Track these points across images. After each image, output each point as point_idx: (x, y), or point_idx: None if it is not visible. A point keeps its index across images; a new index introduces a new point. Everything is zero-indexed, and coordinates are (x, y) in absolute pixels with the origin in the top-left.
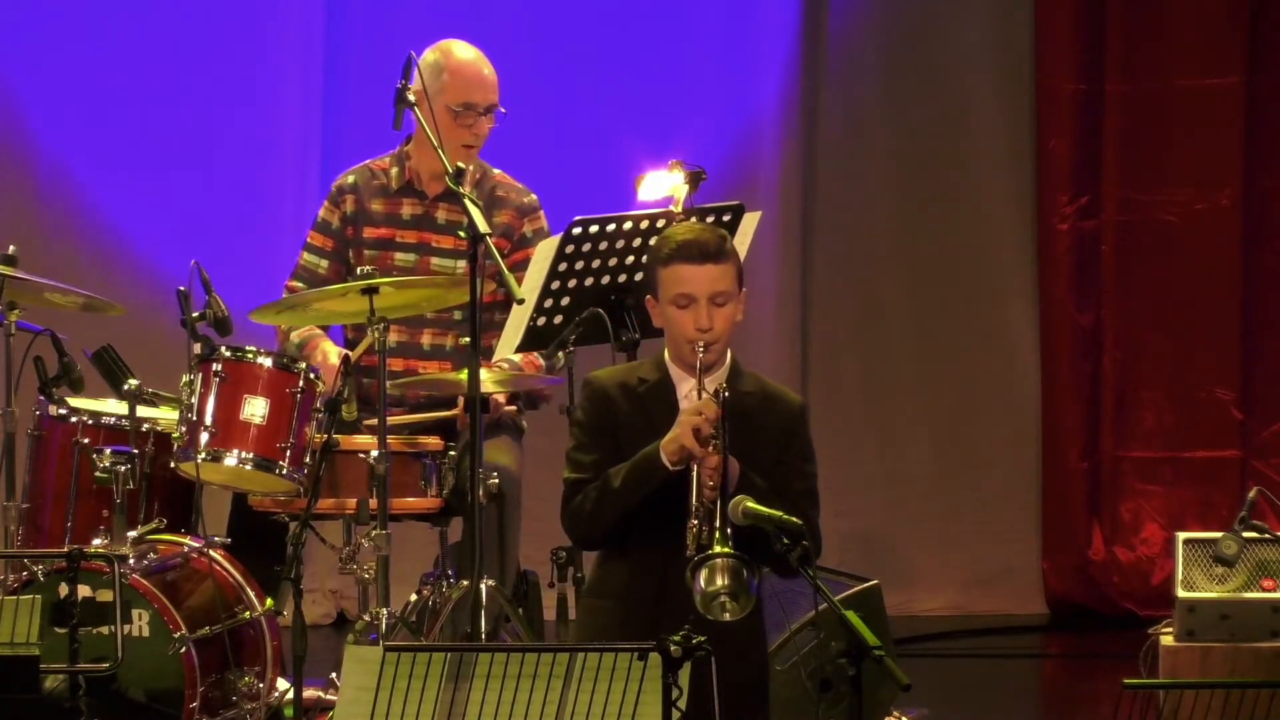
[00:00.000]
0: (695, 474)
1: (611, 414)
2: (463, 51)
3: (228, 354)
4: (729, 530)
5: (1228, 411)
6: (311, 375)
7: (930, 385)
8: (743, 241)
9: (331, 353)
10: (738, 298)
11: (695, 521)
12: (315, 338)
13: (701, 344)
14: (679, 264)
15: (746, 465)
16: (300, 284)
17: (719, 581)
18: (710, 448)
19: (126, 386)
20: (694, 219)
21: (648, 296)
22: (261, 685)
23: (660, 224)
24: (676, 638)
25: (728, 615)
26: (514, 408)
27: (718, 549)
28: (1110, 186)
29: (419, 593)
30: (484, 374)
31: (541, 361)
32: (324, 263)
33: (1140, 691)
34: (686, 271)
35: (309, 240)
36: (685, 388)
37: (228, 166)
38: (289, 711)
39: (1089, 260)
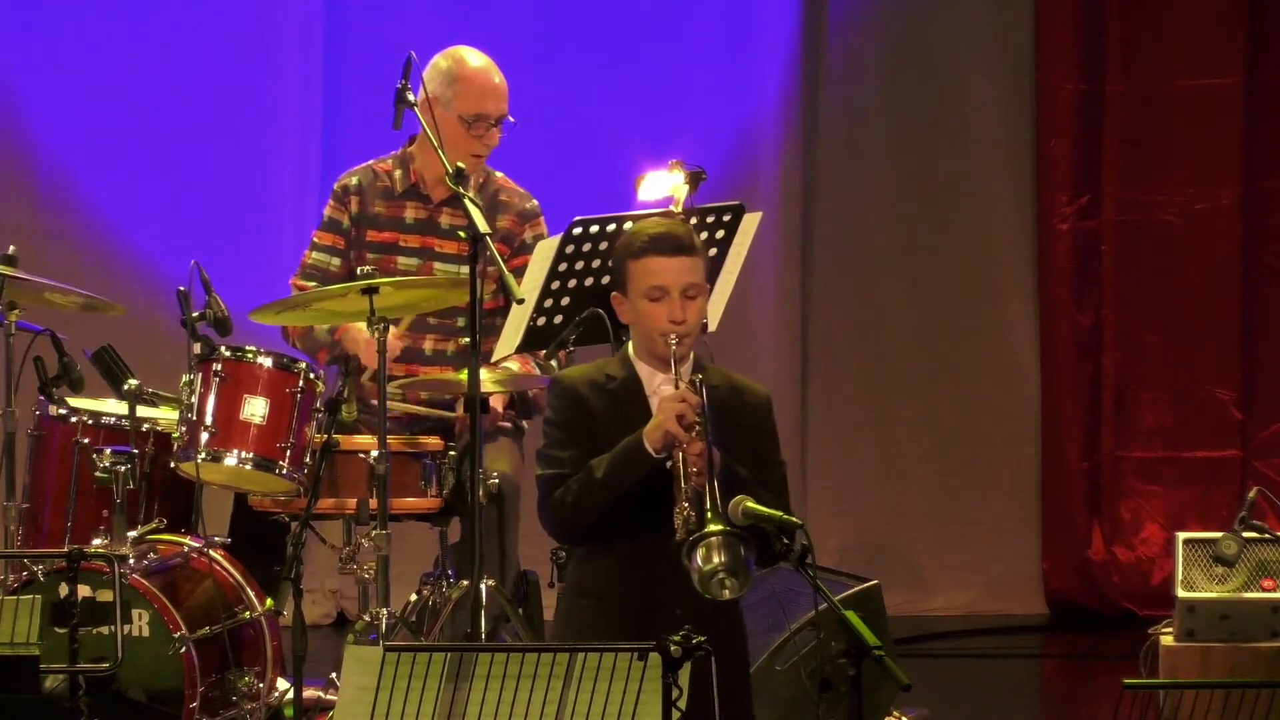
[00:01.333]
0: (681, 460)
1: (585, 411)
2: (474, 60)
3: (228, 354)
4: (721, 511)
5: (1228, 411)
6: (312, 375)
7: (930, 385)
8: (743, 242)
9: (366, 328)
10: (706, 292)
11: (685, 504)
12: (341, 323)
13: (674, 336)
14: (652, 256)
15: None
16: (310, 284)
17: (716, 559)
18: (693, 434)
19: (126, 386)
20: (694, 218)
21: (614, 293)
22: (261, 685)
23: None
24: (677, 638)
25: (727, 593)
26: (511, 412)
27: (712, 527)
28: (1110, 186)
29: (419, 593)
30: (484, 374)
31: (536, 370)
32: (335, 260)
33: (1140, 691)
34: (659, 264)
35: (316, 240)
36: (654, 382)
37: (228, 166)
38: (289, 711)
39: (1089, 260)
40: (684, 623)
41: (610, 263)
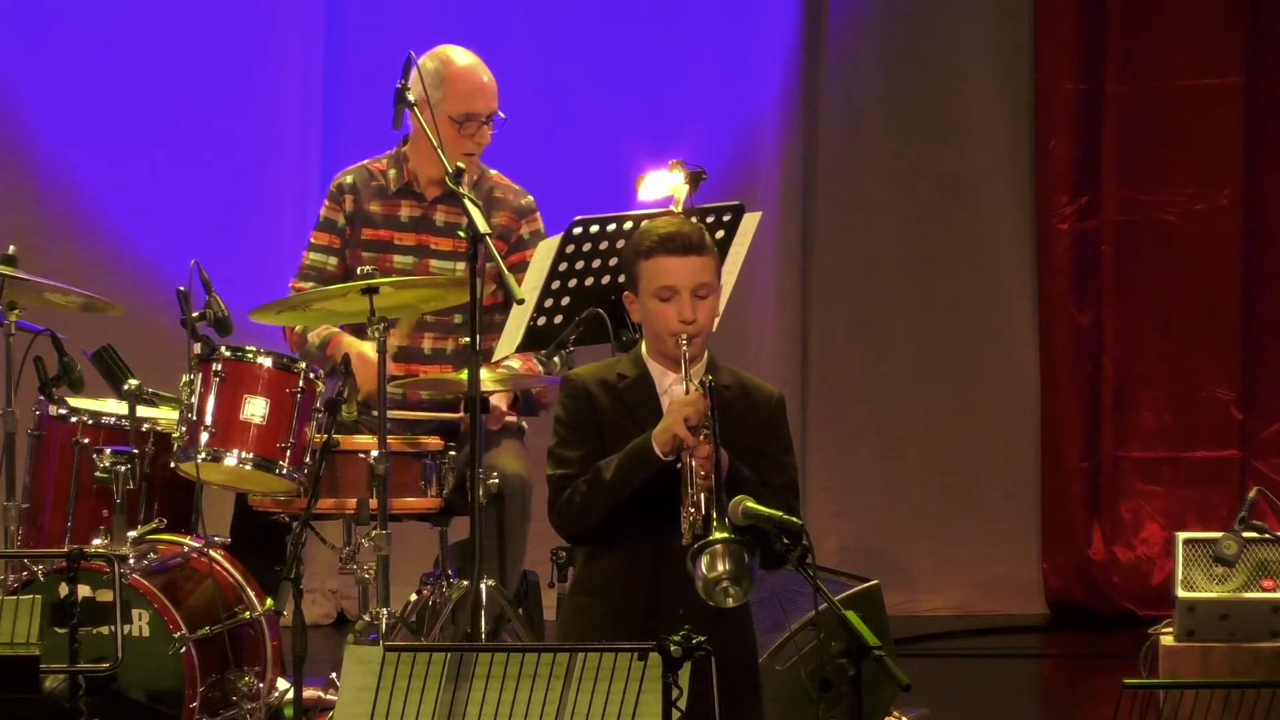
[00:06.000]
0: (689, 463)
1: (594, 410)
2: (462, 59)
3: (228, 354)
4: (726, 517)
5: (1228, 411)
6: (312, 375)
7: (930, 385)
8: (743, 242)
9: (366, 347)
10: (718, 292)
11: (691, 510)
12: (335, 335)
13: (685, 336)
14: (661, 256)
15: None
16: (308, 284)
17: (720, 567)
18: (701, 437)
19: (126, 386)
20: (694, 218)
21: (625, 293)
22: (261, 685)
23: None
24: (676, 637)
25: (730, 600)
26: (514, 416)
27: (717, 535)
28: (1110, 186)
29: (419, 593)
30: (484, 374)
31: (539, 367)
32: (332, 260)
33: (1140, 691)
34: (669, 264)
35: (313, 240)
36: (665, 382)
37: (228, 166)
38: (289, 711)
39: (1089, 260)
40: (689, 622)
41: (612, 262)
